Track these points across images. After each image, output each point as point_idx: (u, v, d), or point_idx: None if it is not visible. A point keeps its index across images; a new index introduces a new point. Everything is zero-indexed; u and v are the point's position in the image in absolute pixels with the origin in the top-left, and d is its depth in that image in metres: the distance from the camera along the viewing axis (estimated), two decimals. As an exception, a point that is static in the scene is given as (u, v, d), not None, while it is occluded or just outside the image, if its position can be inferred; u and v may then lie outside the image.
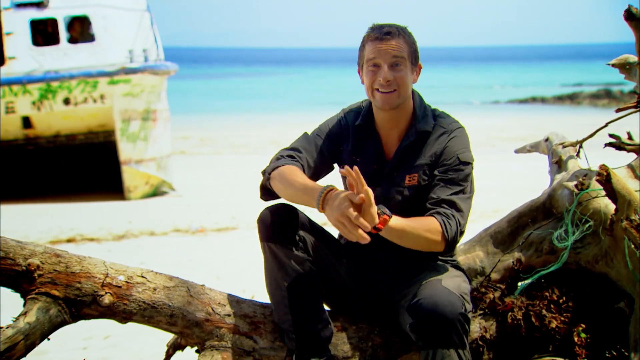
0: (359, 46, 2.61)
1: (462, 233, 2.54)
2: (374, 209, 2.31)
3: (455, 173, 2.56)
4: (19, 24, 11.83)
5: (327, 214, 2.34)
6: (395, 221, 2.40)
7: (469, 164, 2.59)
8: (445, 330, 2.34)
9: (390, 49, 2.52)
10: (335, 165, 2.76)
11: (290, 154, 2.62)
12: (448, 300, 2.36)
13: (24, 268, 2.40)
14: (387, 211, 2.39)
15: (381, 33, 2.53)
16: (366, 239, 2.28)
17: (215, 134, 22.03)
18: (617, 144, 3.00)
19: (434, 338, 2.35)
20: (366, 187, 2.28)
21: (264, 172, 2.60)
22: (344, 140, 2.70)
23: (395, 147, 2.66)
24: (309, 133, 2.72)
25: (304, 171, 2.59)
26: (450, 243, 2.50)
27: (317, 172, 2.68)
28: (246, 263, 6.73)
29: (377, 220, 2.32)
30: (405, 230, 2.42)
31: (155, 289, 2.53)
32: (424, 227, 2.45)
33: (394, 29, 2.54)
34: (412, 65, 2.58)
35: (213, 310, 2.58)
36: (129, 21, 12.53)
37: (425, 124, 2.63)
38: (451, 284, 2.45)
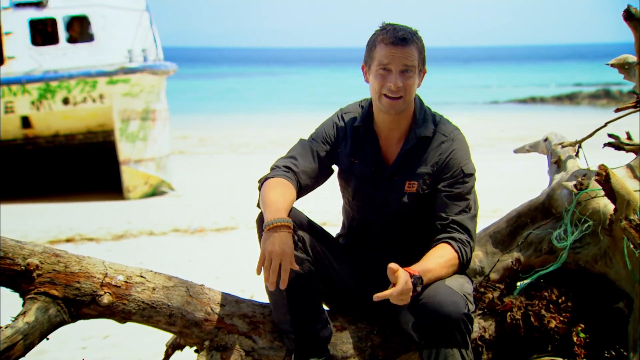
0: (369, 43, 2.58)
1: (472, 252, 2.60)
2: (404, 286, 2.31)
3: (461, 186, 2.59)
4: (18, 23, 11.82)
5: (266, 238, 2.36)
6: (427, 277, 2.41)
7: (472, 175, 2.62)
8: (449, 330, 2.35)
9: (404, 56, 2.50)
10: (335, 167, 2.75)
11: (286, 164, 2.62)
12: (452, 300, 2.37)
13: (23, 268, 2.40)
14: (418, 279, 2.37)
15: (396, 38, 2.50)
16: (272, 286, 2.34)
17: (215, 133, 22.04)
18: (616, 144, 3.00)
19: (438, 337, 2.37)
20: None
21: (259, 181, 2.60)
22: (341, 142, 2.70)
23: (394, 150, 2.65)
24: (305, 138, 2.71)
25: (298, 182, 2.59)
26: (465, 266, 2.57)
27: (315, 177, 2.67)
28: (245, 263, 6.72)
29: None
30: (436, 278, 2.45)
31: (154, 289, 2.53)
32: (447, 264, 2.49)
33: (408, 34, 2.51)
34: (420, 71, 2.57)
35: (212, 310, 2.58)
36: (128, 21, 12.53)
37: (425, 129, 2.62)
38: (454, 284, 2.45)
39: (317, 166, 2.66)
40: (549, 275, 2.79)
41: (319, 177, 2.68)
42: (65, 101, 11.72)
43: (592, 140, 3.11)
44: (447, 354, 2.37)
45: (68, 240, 8.33)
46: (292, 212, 2.54)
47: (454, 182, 2.58)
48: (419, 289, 2.36)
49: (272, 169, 2.62)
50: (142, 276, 2.54)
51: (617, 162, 2.99)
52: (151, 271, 2.59)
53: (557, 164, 3.11)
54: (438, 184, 2.60)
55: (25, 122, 11.82)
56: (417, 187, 2.61)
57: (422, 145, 2.62)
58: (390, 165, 2.64)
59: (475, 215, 2.61)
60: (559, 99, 34.79)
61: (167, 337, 2.77)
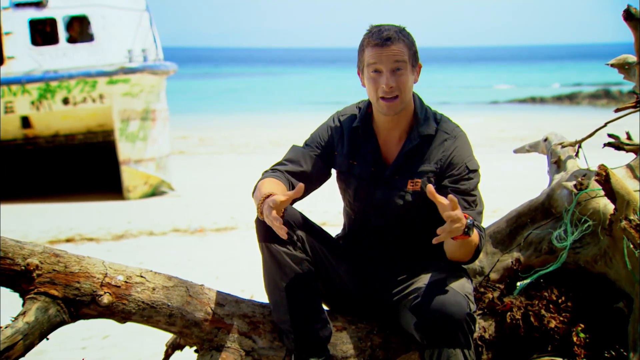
0: (359, 48, 2.59)
1: (483, 244, 2.59)
2: (457, 219, 2.30)
3: (467, 182, 2.58)
4: (18, 23, 11.82)
5: (265, 215, 2.38)
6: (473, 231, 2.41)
7: (476, 171, 2.61)
8: (452, 330, 2.36)
9: (391, 54, 2.50)
10: (333, 171, 2.75)
11: (275, 168, 2.63)
12: (455, 300, 2.37)
13: (23, 268, 2.40)
14: (472, 222, 2.38)
15: (381, 39, 2.50)
16: (285, 234, 2.33)
17: (215, 133, 22.04)
18: (616, 144, 3.00)
19: (440, 337, 2.37)
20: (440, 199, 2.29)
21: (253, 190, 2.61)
22: (338, 145, 2.69)
23: (394, 149, 2.65)
24: (299, 144, 2.72)
25: (290, 182, 2.59)
26: (478, 252, 2.55)
27: (311, 181, 2.66)
28: (245, 263, 6.73)
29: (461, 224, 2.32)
30: (473, 240, 2.44)
31: (154, 289, 2.53)
32: (476, 237, 2.48)
33: (393, 32, 2.51)
34: (412, 67, 2.56)
35: (212, 310, 2.58)
36: (128, 21, 12.53)
37: (428, 127, 2.62)
38: (456, 284, 2.45)
39: (311, 170, 2.66)
40: (549, 275, 2.79)
41: (314, 180, 2.68)
42: (65, 101, 11.73)
43: (592, 140, 3.11)
44: (449, 354, 2.37)
45: (68, 240, 8.34)
46: (290, 211, 2.54)
47: (460, 179, 2.58)
48: (471, 233, 2.37)
49: (262, 174, 2.63)
50: (142, 276, 2.54)
51: (617, 162, 2.99)
52: (151, 271, 2.59)
53: (557, 164, 3.11)
54: (443, 182, 2.60)
55: (25, 122, 11.82)
56: (421, 186, 2.61)
57: (425, 144, 2.62)
58: (391, 164, 2.64)
59: (481, 212, 2.61)
60: (559, 99, 34.78)
61: (167, 337, 2.77)
